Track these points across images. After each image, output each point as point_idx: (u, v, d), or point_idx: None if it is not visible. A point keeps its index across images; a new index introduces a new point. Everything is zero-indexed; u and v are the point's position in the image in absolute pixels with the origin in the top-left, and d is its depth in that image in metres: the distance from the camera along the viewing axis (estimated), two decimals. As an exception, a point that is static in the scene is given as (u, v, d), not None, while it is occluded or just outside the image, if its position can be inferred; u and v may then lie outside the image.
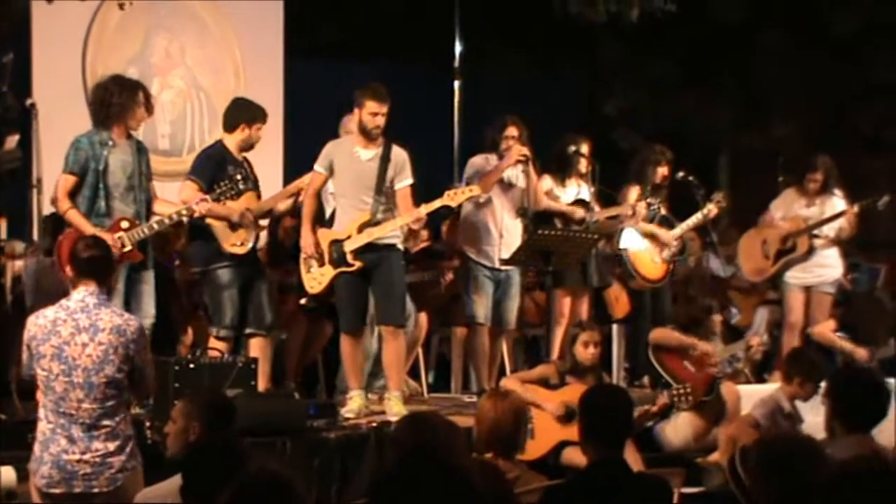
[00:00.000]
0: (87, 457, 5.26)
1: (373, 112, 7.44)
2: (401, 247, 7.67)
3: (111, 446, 5.30)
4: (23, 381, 7.19)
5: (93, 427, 5.27)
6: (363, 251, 7.45)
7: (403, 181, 7.57)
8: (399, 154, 7.58)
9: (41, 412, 5.34)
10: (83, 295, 5.35)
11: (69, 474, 5.24)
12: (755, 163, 12.82)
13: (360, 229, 7.46)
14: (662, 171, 9.08)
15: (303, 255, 7.64)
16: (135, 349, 5.36)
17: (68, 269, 5.53)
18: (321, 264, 7.57)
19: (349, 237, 7.47)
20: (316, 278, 7.60)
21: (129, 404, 5.53)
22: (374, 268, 7.47)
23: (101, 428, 5.29)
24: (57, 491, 5.26)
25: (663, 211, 9.19)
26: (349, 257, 7.46)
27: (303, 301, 8.02)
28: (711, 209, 9.13)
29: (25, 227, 7.82)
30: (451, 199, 7.57)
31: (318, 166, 7.61)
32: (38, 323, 5.33)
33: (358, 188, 7.52)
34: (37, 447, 5.33)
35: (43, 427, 5.31)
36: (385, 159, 7.52)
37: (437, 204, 7.51)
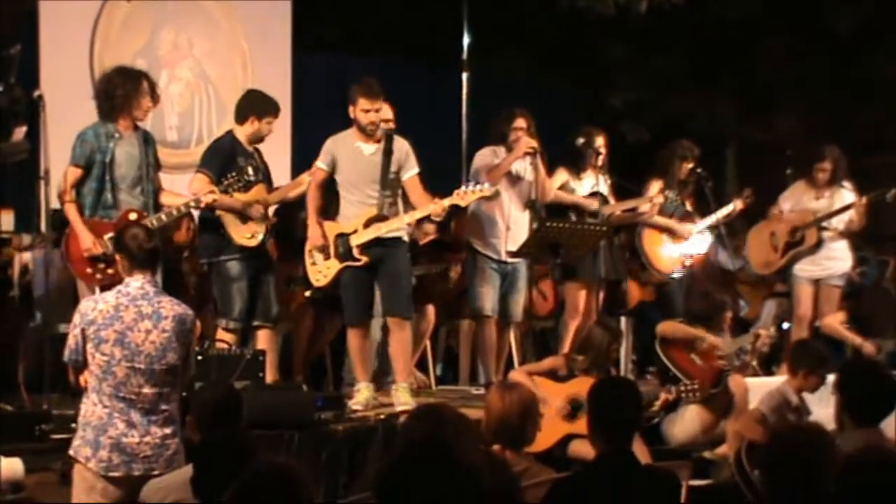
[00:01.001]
0: (147, 439, 5.31)
1: (365, 109, 7.41)
2: (406, 239, 7.65)
3: (167, 430, 5.37)
4: (30, 372, 7.25)
5: (151, 412, 5.33)
6: (369, 245, 7.44)
7: (410, 171, 7.54)
8: (401, 145, 7.55)
9: (93, 396, 5.32)
10: (141, 283, 5.40)
11: (130, 457, 5.28)
12: (762, 156, 12.79)
13: (367, 224, 7.43)
14: (688, 166, 9.08)
15: (308, 247, 7.62)
16: (190, 338, 5.48)
17: (119, 258, 5.51)
18: (326, 257, 7.55)
19: (355, 231, 7.45)
20: (321, 271, 7.58)
21: (179, 390, 5.57)
22: (379, 261, 7.45)
23: (160, 412, 5.36)
24: (117, 474, 5.28)
25: (688, 206, 9.18)
26: (355, 252, 7.44)
27: (307, 293, 8.02)
28: (738, 205, 9.12)
29: (33, 219, 7.82)
30: (461, 198, 7.51)
31: (321, 162, 7.58)
32: (99, 308, 5.34)
33: (363, 183, 7.49)
34: (89, 432, 5.31)
35: (99, 412, 5.30)
36: (388, 152, 7.49)
37: (446, 203, 7.46)
